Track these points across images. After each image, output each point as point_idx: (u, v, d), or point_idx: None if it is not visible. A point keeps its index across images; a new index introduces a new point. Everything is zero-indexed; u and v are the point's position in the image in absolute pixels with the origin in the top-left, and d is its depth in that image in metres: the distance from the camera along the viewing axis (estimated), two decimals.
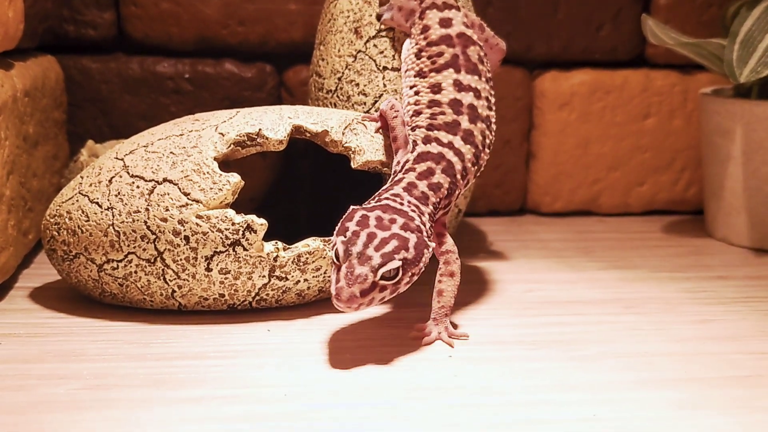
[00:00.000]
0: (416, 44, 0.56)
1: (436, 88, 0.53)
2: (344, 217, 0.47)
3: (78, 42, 0.75)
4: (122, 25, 0.76)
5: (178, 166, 0.51)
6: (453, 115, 0.52)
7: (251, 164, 0.60)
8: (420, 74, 0.54)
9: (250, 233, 0.50)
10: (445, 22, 0.55)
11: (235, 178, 0.50)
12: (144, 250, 0.50)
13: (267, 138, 0.52)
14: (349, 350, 0.48)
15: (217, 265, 0.50)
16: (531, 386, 0.44)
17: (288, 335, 0.50)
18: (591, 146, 0.81)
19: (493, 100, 0.54)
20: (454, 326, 0.51)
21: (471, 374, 0.45)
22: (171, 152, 0.51)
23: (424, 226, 0.47)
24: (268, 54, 0.78)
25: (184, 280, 0.50)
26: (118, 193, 0.51)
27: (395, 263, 0.44)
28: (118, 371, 0.44)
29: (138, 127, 0.73)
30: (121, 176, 0.51)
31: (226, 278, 0.50)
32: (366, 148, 0.54)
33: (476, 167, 0.52)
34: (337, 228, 0.46)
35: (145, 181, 0.51)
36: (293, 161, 0.67)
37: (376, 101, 0.60)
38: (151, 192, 0.50)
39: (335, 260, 0.45)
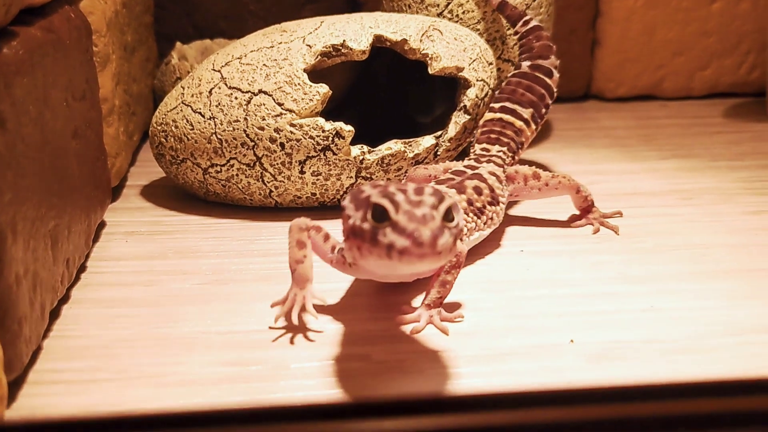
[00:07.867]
0: None
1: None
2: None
3: None
4: None
5: (271, 78, 0.55)
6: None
7: (331, 67, 0.64)
8: None
9: (339, 139, 0.55)
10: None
11: (323, 89, 0.55)
12: (244, 155, 0.55)
13: (351, 48, 0.56)
14: None
15: (309, 168, 0.55)
16: (594, 279, 0.49)
17: None
18: (656, 32, 0.82)
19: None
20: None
21: (540, 267, 0.51)
22: (264, 64, 0.56)
23: None
24: None
25: (280, 181, 0.56)
26: (219, 103, 0.56)
27: (449, 200, 0.37)
28: (230, 267, 0.50)
29: (219, 27, 0.77)
30: (219, 88, 0.56)
31: (317, 179, 0.56)
32: (442, 54, 0.58)
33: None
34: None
35: (242, 92, 0.55)
36: (370, 63, 0.71)
37: (449, 3, 0.63)
38: (248, 102, 0.55)
39: (372, 221, 0.37)
